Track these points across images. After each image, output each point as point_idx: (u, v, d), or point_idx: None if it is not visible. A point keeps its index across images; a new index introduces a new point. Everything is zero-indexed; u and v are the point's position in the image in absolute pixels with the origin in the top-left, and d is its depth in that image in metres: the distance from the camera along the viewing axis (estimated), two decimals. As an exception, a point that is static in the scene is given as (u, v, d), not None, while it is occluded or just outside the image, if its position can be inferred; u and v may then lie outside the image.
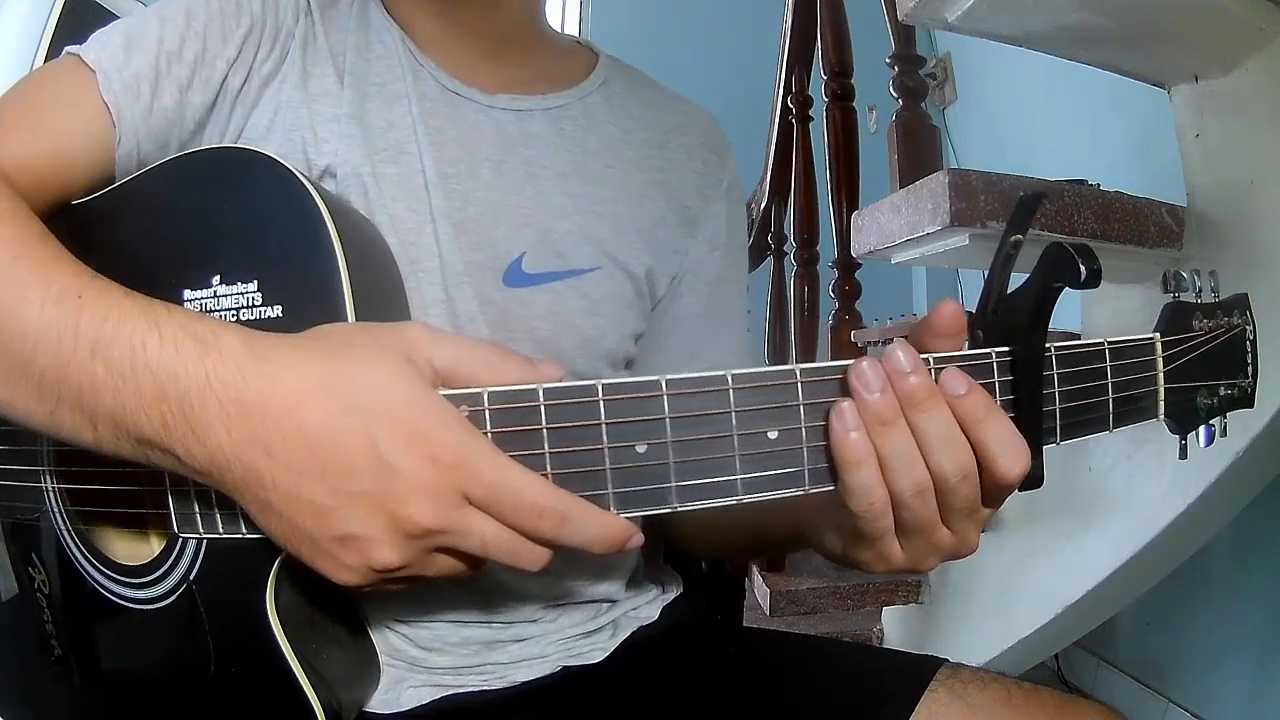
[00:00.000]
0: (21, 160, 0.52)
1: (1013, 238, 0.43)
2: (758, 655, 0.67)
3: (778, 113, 2.07)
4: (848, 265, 1.66)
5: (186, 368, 0.39)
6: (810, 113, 1.96)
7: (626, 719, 0.62)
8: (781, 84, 2.02)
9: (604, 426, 0.41)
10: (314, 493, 0.39)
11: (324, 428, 0.39)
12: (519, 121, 0.64)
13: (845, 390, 0.41)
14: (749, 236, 2.20)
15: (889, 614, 1.68)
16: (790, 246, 1.99)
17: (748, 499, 0.42)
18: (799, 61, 1.97)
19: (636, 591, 0.69)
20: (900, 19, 1.12)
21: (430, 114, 0.61)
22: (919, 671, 0.59)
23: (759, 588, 1.60)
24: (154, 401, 0.40)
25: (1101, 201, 1.07)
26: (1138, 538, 1.16)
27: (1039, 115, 2.39)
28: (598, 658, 0.64)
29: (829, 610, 1.58)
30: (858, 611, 1.64)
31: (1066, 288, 0.41)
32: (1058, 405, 0.44)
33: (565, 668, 0.63)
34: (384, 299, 0.52)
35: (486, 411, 0.41)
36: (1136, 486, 1.18)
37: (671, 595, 0.72)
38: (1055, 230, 1.03)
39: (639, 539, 0.42)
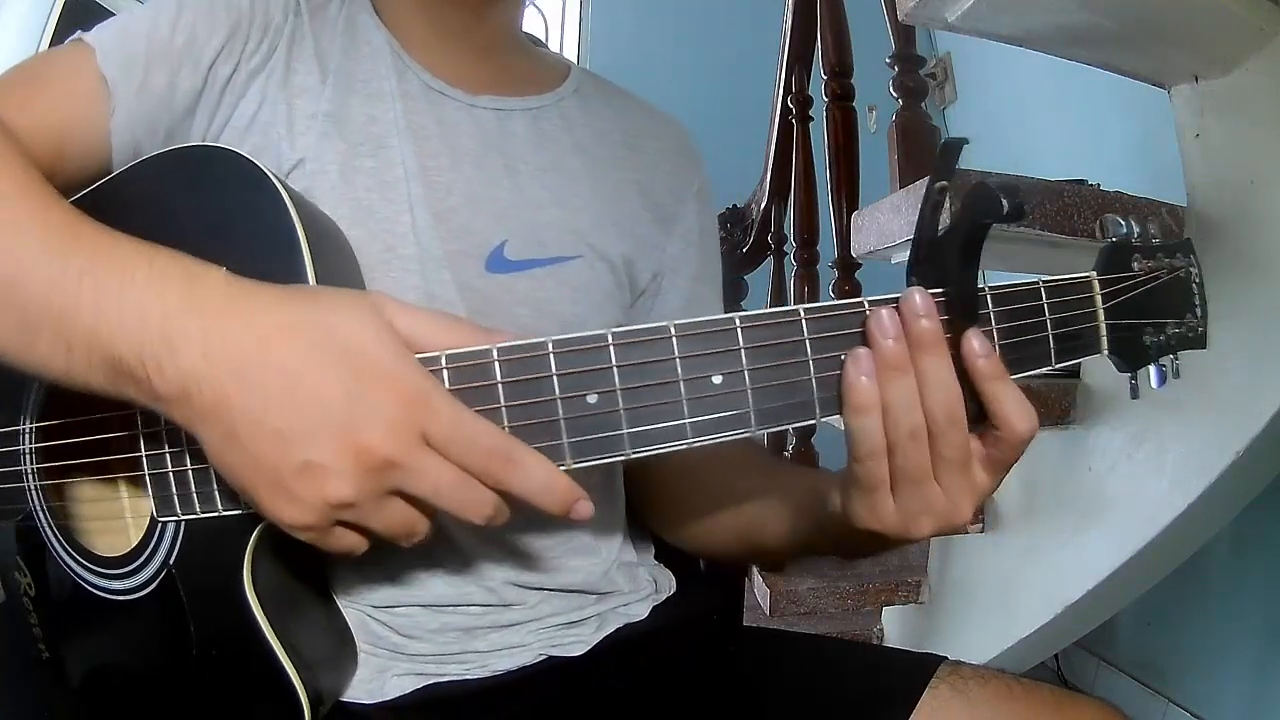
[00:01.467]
0: (28, 119, 0.55)
1: (938, 184, 0.45)
2: (757, 655, 0.67)
3: (778, 113, 2.06)
4: (848, 265, 1.65)
5: (174, 293, 0.42)
6: (810, 113, 1.96)
7: (614, 713, 0.63)
8: (781, 84, 2.02)
9: (555, 379, 0.43)
10: (279, 420, 0.41)
11: (297, 360, 0.41)
12: (499, 120, 0.67)
13: (809, 330, 0.44)
14: (749, 236, 2.20)
15: (889, 614, 1.68)
16: (790, 246, 1.99)
17: (698, 442, 0.44)
18: (799, 61, 1.97)
19: (628, 588, 0.70)
20: (900, 19, 1.12)
21: (414, 111, 0.64)
22: (920, 669, 0.60)
23: (759, 588, 1.60)
24: (136, 323, 0.41)
25: (1101, 201, 1.07)
26: (1138, 538, 1.16)
27: (1039, 115, 2.39)
28: (578, 651, 0.64)
29: (829, 610, 1.57)
30: (858, 611, 1.64)
31: (993, 224, 0.43)
32: (996, 342, 0.46)
33: (549, 657, 0.63)
34: (345, 285, 0.53)
35: (444, 371, 0.44)
36: (1136, 486, 1.18)
37: (664, 595, 0.72)
38: (1055, 230, 1.03)
39: (585, 508, 0.44)
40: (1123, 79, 1.17)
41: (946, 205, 0.46)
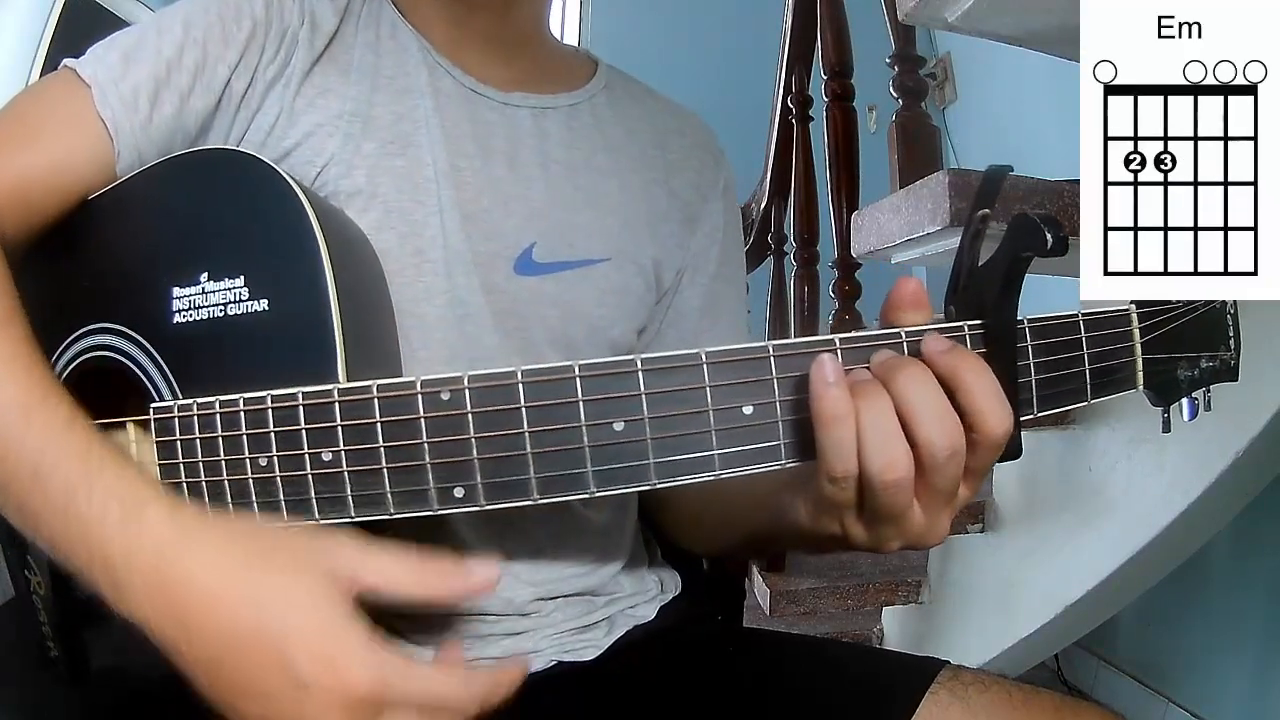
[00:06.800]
0: (19, 180, 0.52)
1: (980, 212, 0.43)
2: (758, 656, 0.67)
3: (778, 113, 2.06)
4: (848, 265, 1.65)
5: (111, 533, 0.41)
6: (810, 113, 1.96)
7: (624, 717, 0.62)
8: (781, 84, 2.01)
9: (581, 404, 0.42)
10: (232, 683, 0.40)
11: (238, 634, 0.39)
12: (533, 118, 0.66)
13: (845, 361, 0.42)
14: (749, 236, 2.20)
15: (889, 614, 1.68)
16: (790, 246, 1.99)
17: (725, 474, 0.42)
18: (799, 61, 1.96)
19: (634, 589, 0.70)
20: (900, 19, 1.12)
21: (446, 109, 0.62)
22: (920, 673, 0.59)
23: (759, 588, 1.60)
24: (83, 551, 0.41)
25: (1101, 201, 1.07)
26: (1138, 538, 1.16)
27: (1039, 115, 2.39)
28: (591, 655, 0.64)
29: (829, 610, 1.58)
30: (858, 611, 1.64)
31: (1035, 257, 0.41)
32: (1034, 376, 0.45)
33: (560, 663, 0.63)
34: (367, 294, 0.53)
35: (466, 392, 0.42)
36: (1136, 486, 1.18)
37: (670, 595, 0.72)
38: (1055, 230, 1.03)
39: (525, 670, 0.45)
40: (1123, 79, 1.17)
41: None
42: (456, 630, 0.61)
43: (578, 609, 0.65)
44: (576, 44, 3.37)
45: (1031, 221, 0.40)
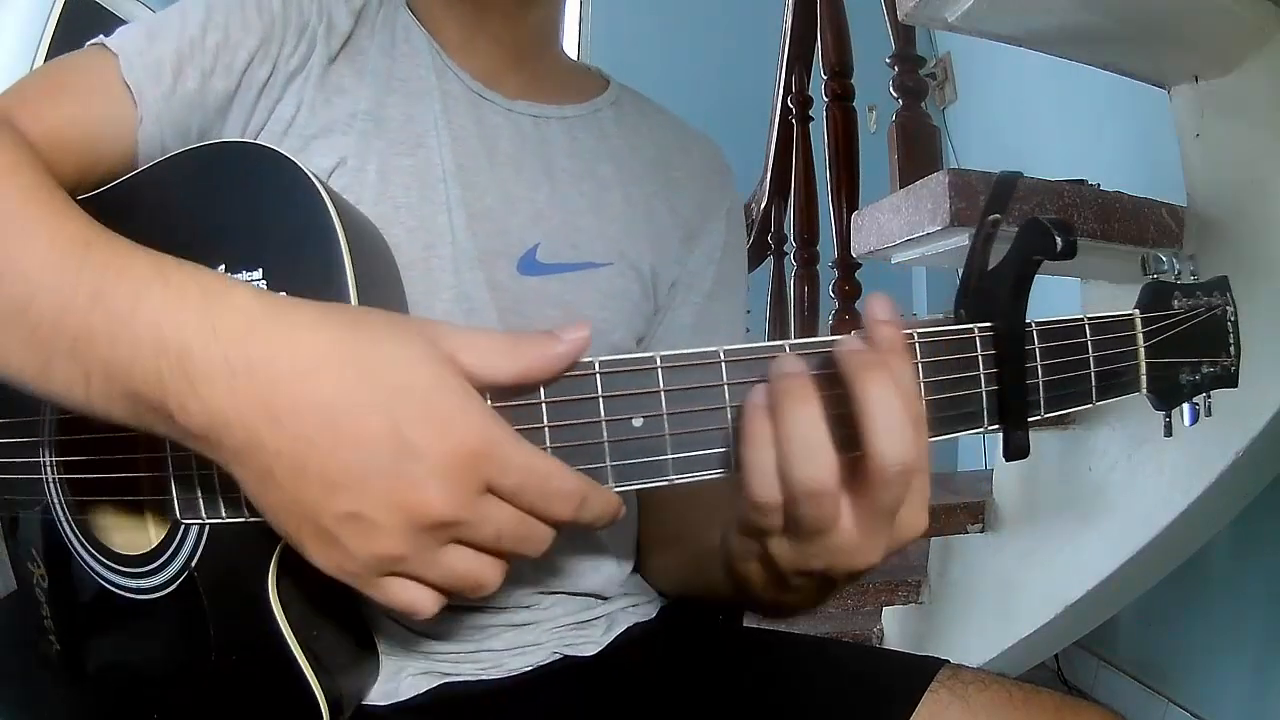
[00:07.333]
0: (46, 129, 0.53)
1: (991, 217, 0.44)
2: (758, 655, 0.67)
3: (778, 113, 2.07)
4: (848, 265, 1.66)
5: (191, 319, 0.37)
6: (810, 113, 1.96)
7: (623, 713, 0.63)
8: (781, 84, 2.02)
9: (601, 400, 0.42)
10: (323, 466, 0.37)
11: (341, 398, 0.37)
12: (536, 126, 0.67)
13: (832, 365, 0.40)
14: (749, 236, 2.20)
15: (889, 614, 1.68)
16: (790, 246, 1.99)
17: None
18: (799, 61, 1.97)
19: (634, 588, 0.70)
20: (900, 19, 1.12)
21: (454, 111, 0.64)
22: (920, 672, 0.59)
23: (759, 588, 1.59)
24: (152, 354, 0.37)
25: (1101, 201, 1.07)
26: (1138, 538, 1.17)
27: (1039, 115, 2.39)
28: (591, 651, 0.65)
29: (829, 610, 1.58)
30: (858, 611, 1.64)
31: (1045, 260, 0.42)
32: (1040, 379, 0.46)
33: (564, 656, 0.64)
34: (384, 288, 0.53)
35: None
36: (1136, 486, 1.18)
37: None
38: (1055, 230, 1.03)
39: (624, 510, 0.43)
40: (1123, 79, 1.17)
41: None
42: (460, 620, 0.61)
43: (577, 604, 0.66)
44: (576, 44, 3.37)
45: (1042, 225, 0.41)
